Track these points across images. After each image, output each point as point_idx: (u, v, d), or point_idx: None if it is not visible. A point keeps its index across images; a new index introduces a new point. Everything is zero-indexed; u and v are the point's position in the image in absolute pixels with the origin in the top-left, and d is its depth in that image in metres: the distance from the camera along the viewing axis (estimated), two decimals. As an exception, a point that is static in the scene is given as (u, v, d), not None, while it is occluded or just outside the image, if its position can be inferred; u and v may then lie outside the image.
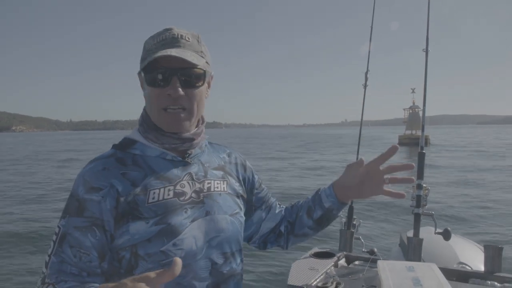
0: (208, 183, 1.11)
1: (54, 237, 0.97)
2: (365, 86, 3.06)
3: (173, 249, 0.98)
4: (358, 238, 2.58)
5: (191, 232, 1.02)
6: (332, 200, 1.22)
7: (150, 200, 1.00)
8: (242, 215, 1.18)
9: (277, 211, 1.33)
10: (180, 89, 1.02)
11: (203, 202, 1.07)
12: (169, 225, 0.99)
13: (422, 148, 2.52)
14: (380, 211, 9.01)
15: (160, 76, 1.02)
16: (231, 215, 1.12)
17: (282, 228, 1.32)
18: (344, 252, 2.43)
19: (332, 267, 2.14)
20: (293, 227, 1.30)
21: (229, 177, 1.20)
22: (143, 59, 1.05)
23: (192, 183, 1.08)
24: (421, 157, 2.48)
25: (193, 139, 1.10)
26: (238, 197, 1.19)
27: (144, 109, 1.11)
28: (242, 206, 1.19)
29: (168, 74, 1.02)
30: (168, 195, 1.02)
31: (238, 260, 1.13)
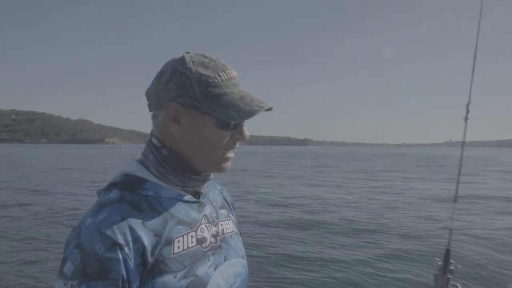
0: (221, 225, 1.12)
1: None
2: (466, 119, 2.85)
3: None
4: (456, 286, 2.43)
5: (216, 281, 1.01)
6: None
7: (176, 250, 0.95)
8: None
9: None
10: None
11: (220, 247, 1.07)
12: (197, 277, 0.96)
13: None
14: (484, 256, 8.33)
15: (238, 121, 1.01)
16: (242, 257, 1.14)
17: None
18: (439, 300, 2.29)
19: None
20: None
21: (231, 215, 1.22)
22: (210, 95, 0.98)
23: (209, 226, 1.07)
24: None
25: (210, 179, 1.11)
26: (240, 235, 1.22)
27: (167, 148, 1.03)
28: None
29: None
30: (192, 242, 0.99)
31: None
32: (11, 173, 27.11)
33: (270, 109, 1.03)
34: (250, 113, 0.98)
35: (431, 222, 11.13)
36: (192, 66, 0.99)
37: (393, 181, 23.96)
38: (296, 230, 9.76)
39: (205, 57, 1.02)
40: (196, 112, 0.99)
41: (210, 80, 0.98)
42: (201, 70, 0.99)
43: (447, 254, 2.51)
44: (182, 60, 1.01)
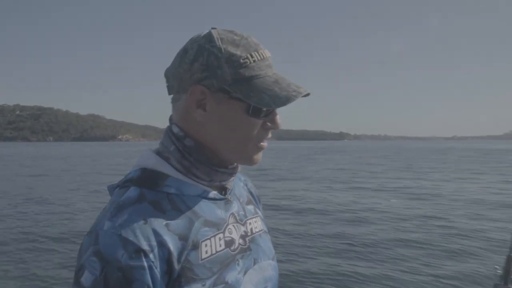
0: (249, 224, 1.11)
1: None
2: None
3: None
4: (519, 298, 2.37)
5: None
6: None
7: (204, 255, 0.94)
8: None
9: None
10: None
11: (250, 249, 1.06)
12: (227, 285, 0.96)
13: None
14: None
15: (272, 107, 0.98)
16: (272, 259, 1.14)
17: None
18: (499, 314, 2.25)
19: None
20: None
21: (258, 211, 1.21)
22: (240, 78, 0.96)
23: (237, 226, 1.06)
24: None
25: (237, 172, 1.10)
26: (269, 233, 1.21)
27: (191, 137, 1.02)
28: None
29: None
30: (220, 245, 0.98)
31: None
32: (14, 176, 27.77)
33: (307, 94, 1.01)
34: (286, 99, 0.95)
35: (489, 225, 10.88)
36: (221, 44, 0.96)
37: (442, 180, 23.53)
38: (331, 242, 9.55)
39: (235, 34, 1.00)
40: (223, 97, 0.97)
41: (242, 61, 0.96)
42: (231, 49, 0.96)
43: (508, 262, 2.45)
44: (209, 37, 0.98)
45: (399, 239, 9.60)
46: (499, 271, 2.46)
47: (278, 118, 1.03)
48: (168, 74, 1.04)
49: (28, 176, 27.04)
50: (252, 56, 0.97)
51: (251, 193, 1.25)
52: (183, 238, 0.92)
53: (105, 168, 34.42)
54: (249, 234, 1.09)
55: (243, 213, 1.11)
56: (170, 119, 1.07)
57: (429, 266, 7.73)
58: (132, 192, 0.94)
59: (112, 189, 1.02)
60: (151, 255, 0.86)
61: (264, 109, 0.98)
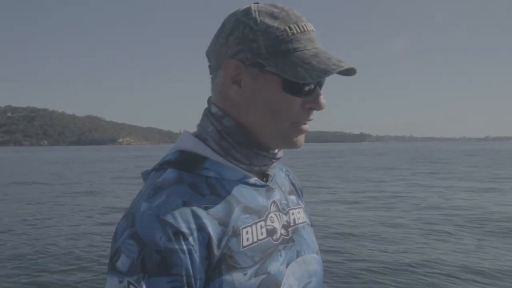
0: (292, 214, 1.14)
1: None
2: None
3: None
4: None
5: (288, 281, 1.01)
6: None
7: (245, 243, 0.96)
8: None
9: None
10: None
11: (292, 240, 1.08)
12: (269, 275, 0.97)
13: None
14: None
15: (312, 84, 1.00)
16: (316, 253, 1.16)
17: None
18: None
19: None
20: None
21: (301, 202, 1.25)
22: (277, 51, 0.98)
23: (279, 215, 1.08)
24: None
25: (279, 157, 1.12)
26: (312, 226, 1.24)
27: (230, 116, 1.04)
28: None
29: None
30: (262, 234, 1.00)
31: None
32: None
33: (352, 72, 1.02)
34: (324, 73, 0.96)
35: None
36: (257, 16, 0.99)
37: (477, 188, 22.85)
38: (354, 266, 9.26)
39: (275, 7, 1.02)
40: (258, 71, 0.99)
41: (279, 33, 0.98)
42: (268, 21, 0.99)
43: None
44: (247, 10, 1.01)
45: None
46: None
47: (322, 98, 1.03)
48: (208, 53, 1.08)
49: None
50: (290, 29, 0.98)
51: (293, 184, 1.29)
52: (223, 224, 0.94)
53: (97, 178, 34.42)
54: (291, 224, 1.11)
55: (285, 202, 1.13)
56: (208, 101, 1.10)
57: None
58: (170, 174, 0.98)
59: (147, 174, 1.05)
60: (190, 238, 0.88)
61: (306, 88, 0.99)
